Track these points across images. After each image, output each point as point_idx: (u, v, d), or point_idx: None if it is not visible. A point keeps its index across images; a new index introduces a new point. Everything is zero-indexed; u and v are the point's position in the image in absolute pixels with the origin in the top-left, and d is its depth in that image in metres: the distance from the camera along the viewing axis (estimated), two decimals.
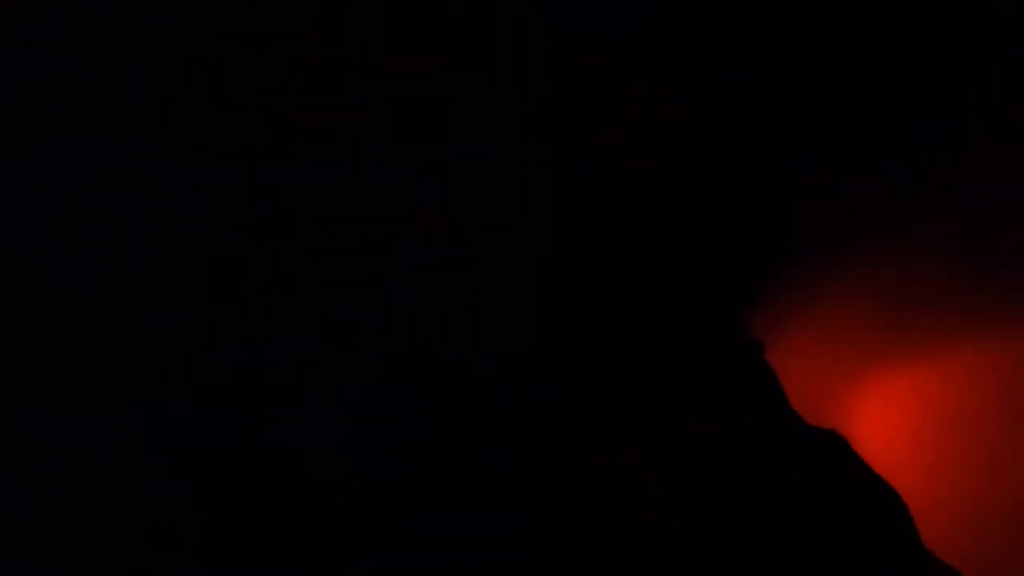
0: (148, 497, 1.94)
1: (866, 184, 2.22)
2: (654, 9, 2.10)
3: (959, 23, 2.13)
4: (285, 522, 1.94)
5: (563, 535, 2.01)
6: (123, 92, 2.04)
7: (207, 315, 2.01)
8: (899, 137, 2.19)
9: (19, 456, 1.93)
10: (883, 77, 2.15)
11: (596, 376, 2.11)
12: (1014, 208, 2.26)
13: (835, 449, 2.05)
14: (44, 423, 1.95)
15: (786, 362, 2.25)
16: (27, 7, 2.05)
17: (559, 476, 2.04)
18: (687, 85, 2.13)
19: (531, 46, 2.11)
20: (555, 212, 2.13)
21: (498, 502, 1.95)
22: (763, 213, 2.20)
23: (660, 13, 2.11)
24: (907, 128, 2.18)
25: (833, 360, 2.42)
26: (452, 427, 1.99)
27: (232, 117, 2.05)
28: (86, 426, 1.95)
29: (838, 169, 2.20)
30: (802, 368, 2.34)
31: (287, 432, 1.98)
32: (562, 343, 2.11)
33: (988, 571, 2.21)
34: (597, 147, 2.14)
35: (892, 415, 2.43)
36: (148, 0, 2.05)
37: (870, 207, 2.25)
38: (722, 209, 2.17)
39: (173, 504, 1.94)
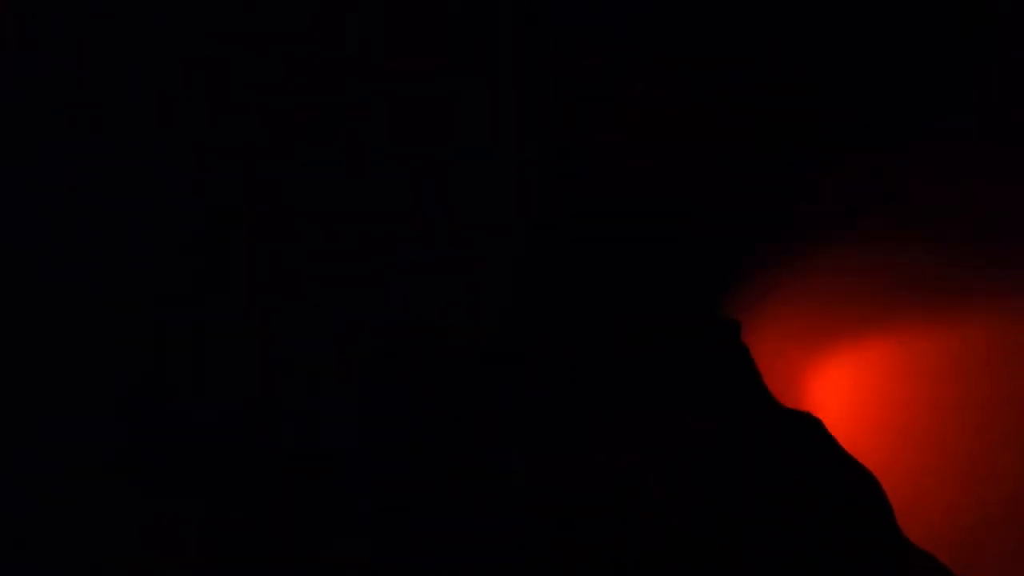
0: (149, 496, 1.94)
1: (865, 184, 2.22)
2: (654, 9, 2.10)
3: (959, 23, 2.13)
4: (286, 522, 1.94)
5: (563, 535, 2.00)
6: (123, 92, 2.04)
7: (207, 315, 2.00)
8: (899, 137, 2.19)
9: (19, 456, 1.93)
10: (883, 77, 2.15)
11: (596, 376, 2.11)
12: (1013, 207, 2.26)
13: (811, 433, 2.05)
14: (45, 423, 1.94)
15: (775, 339, 2.24)
16: (27, 7, 2.04)
17: (559, 476, 2.04)
18: (687, 85, 2.13)
19: (531, 46, 2.10)
20: (554, 212, 2.13)
21: (498, 502, 1.95)
22: (763, 213, 2.19)
23: (660, 13, 2.10)
24: (907, 128, 2.18)
25: (822, 335, 2.42)
26: (452, 427, 1.99)
27: (232, 117, 2.04)
28: (86, 426, 1.94)
29: (837, 169, 2.20)
30: (792, 346, 2.33)
31: (287, 432, 1.98)
32: (562, 343, 2.10)
33: (976, 559, 2.20)
34: (597, 147, 2.14)
35: (879, 397, 2.42)
36: (148, 0, 2.04)
37: (868, 205, 2.25)
38: (721, 208, 2.17)
39: (173, 503, 1.94)
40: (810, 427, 2.09)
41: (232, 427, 1.96)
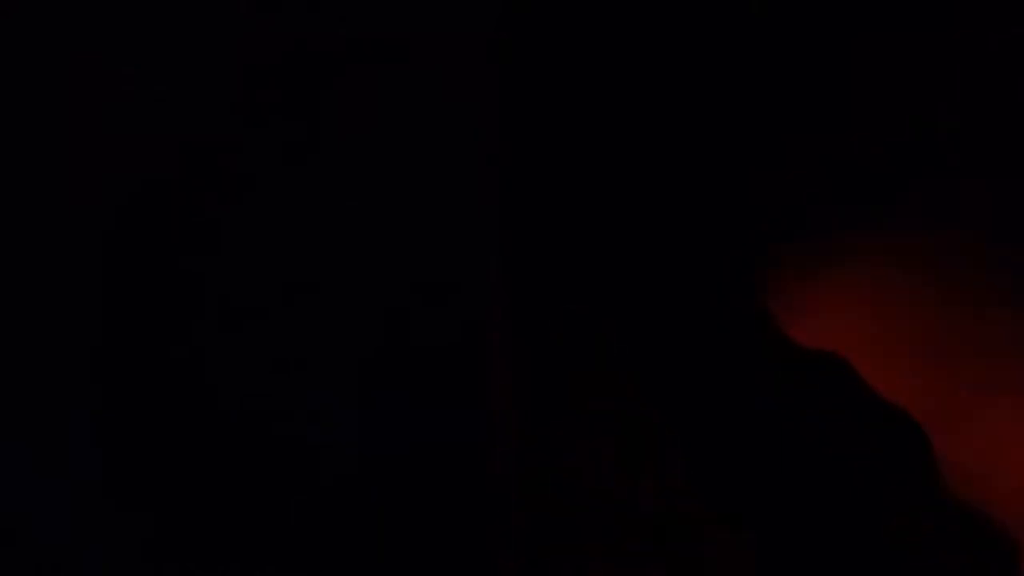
0: (143, 500, 1.93)
1: None
2: None
3: None
4: (281, 526, 1.94)
5: (561, 532, 1.99)
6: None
7: (194, 322, 1.99)
8: None
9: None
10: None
11: (593, 366, 2.10)
12: None
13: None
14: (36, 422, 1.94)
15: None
16: None
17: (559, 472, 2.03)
18: None
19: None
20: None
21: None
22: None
23: None
24: None
25: None
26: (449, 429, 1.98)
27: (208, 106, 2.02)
28: (85, 420, 1.94)
29: None
30: None
31: (282, 436, 1.97)
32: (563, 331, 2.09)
33: None
34: None
35: None
36: None
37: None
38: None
39: (168, 507, 1.94)
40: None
41: (228, 432, 1.95)
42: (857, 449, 1.89)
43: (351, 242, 2.02)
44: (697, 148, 2.12)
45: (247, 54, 2.01)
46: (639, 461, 2.07)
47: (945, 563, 1.81)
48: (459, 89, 2.04)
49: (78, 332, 1.95)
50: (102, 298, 1.97)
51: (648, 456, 2.07)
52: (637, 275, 2.11)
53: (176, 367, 1.96)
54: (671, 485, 2.05)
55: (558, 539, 2.01)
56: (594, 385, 2.11)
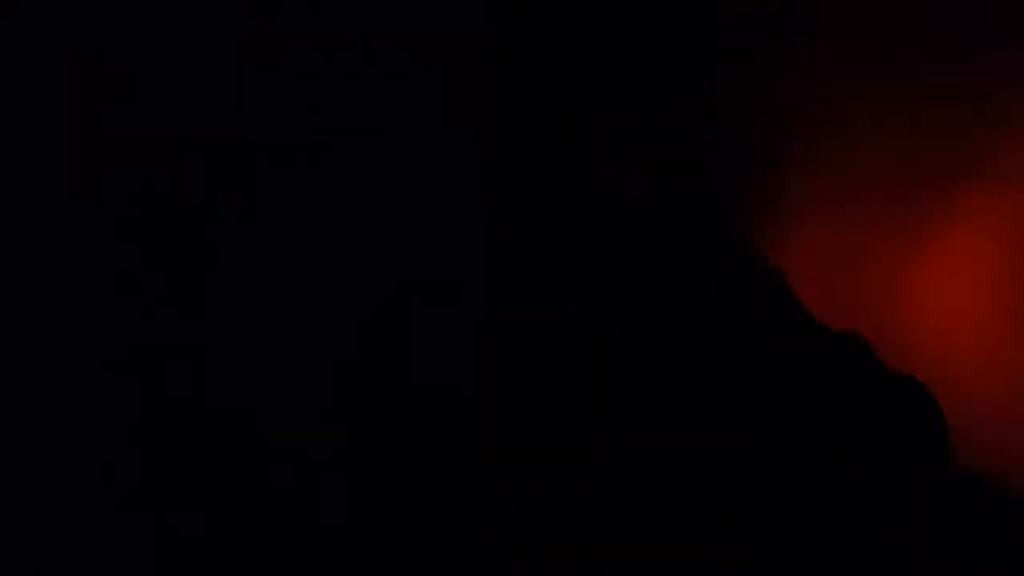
0: (141, 511, 1.93)
1: None
2: None
3: None
4: (280, 525, 1.93)
5: (563, 540, 1.99)
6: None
7: (188, 326, 1.98)
8: None
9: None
10: None
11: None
12: None
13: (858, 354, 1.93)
14: (32, 428, 1.93)
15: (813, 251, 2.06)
16: None
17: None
18: None
19: None
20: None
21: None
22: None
23: None
24: None
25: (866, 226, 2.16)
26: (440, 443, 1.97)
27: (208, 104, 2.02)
28: (85, 420, 1.93)
29: None
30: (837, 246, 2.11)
31: (281, 434, 1.96)
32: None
33: None
34: None
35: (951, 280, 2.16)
36: None
37: None
38: None
39: (165, 516, 1.93)
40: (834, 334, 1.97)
41: (225, 443, 1.94)
42: (872, 424, 1.89)
43: (350, 241, 2.01)
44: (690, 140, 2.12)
45: (247, 54, 2.00)
46: (636, 458, 2.07)
47: (954, 536, 1.81)
48: (457, 89, 2.03)
49: (78, 332, 1.95)
50: (102, 298, 1.96)
51: (645, 452, 2.06)
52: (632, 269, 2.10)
53: (175, 365, 1.95)
54: (669, 484, 2.04)
55: (557, 539, 2.00)
56: (586, 382, 2.10)
